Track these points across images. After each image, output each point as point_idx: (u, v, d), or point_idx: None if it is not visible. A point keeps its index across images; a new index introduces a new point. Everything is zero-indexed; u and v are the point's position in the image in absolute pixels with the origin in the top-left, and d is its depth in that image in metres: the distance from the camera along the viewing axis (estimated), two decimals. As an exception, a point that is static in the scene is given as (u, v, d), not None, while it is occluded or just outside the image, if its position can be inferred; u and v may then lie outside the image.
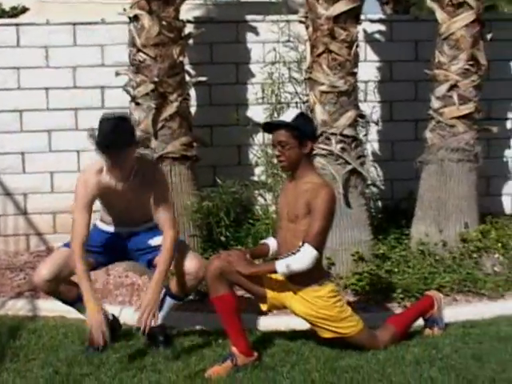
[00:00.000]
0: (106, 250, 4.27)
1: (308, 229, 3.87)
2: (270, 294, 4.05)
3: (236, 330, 3.96)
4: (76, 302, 4.24)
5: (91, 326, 3.95)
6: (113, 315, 4.46)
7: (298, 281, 3.94)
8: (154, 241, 4.20)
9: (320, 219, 3.86)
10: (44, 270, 4.11)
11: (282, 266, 3.85)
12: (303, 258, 3.84)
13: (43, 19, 6.36)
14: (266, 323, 4.62)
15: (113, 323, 4.41)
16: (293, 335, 4.40)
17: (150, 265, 4.23)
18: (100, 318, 3.94)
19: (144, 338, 4.29)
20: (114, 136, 3.85)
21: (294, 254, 3.85)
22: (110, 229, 4.27)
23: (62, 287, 4.19)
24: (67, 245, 4.15)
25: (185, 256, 4.18)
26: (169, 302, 4.28)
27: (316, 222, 3.86)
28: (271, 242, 4.26)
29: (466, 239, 5.62)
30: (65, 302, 4.29)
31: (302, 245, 3.84)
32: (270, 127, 4.10)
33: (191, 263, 4.15)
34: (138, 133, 5.60)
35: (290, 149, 3.94)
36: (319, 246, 3.89)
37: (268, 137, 6.32)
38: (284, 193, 4.15)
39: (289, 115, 4.03)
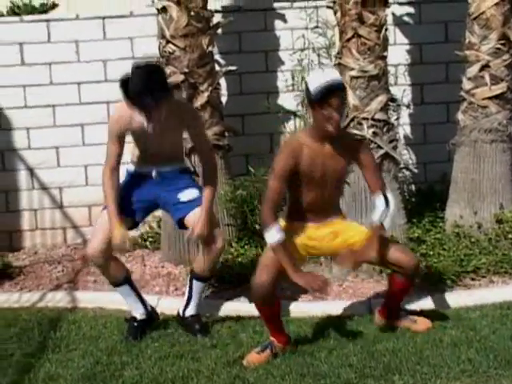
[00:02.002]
0: (139, 200, 4.28)
1: (376, 180, 3.94)
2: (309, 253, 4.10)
3: (276, 326, 3.99)
4: (121, 283, 4.34)
5: (115, 238, 4.09)
6: (150, 306, 4.52)
7: (334, 213, 4.05)
8: (184, 194, 4.24)
9: (378, 168, 4.02)
10: (95, 242, 4.21)
11: (388, 223, 3.92)
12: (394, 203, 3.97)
13: (73, 14, 6.41)
14: (302, 309, 4.64)
15: (151, 314, 4.46)
16: (328, 321, 4.41)
17: (181, 225, 4.27)
18: (123, 231, 4.10)
19: (182, 327, 4.36)
20: (148, 88, 3.84)
21: (387, 208, 3.88)
22: (141, 169, 4.28)
23: (112, 263, 4.29)
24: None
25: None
26: (196, 285, 4.33)
27: (377, 172, 4.00)
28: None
29: (501, 220, 5.57)
30: (112, 281, 4.36)
31: (385, 196, 3.90)
32: (335, 88, 3.78)
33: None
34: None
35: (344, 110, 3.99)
36: None
37: (299, 124, 6.33)
38: (314, 159, 3.88)
39: (335, 74, 3.92)
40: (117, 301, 4.59)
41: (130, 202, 4.25)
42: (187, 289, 4.39)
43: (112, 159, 4.19)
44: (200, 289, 4.38)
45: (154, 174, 4.23)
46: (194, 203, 4.20)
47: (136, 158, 4.31)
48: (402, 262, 3.95)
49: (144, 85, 3.85)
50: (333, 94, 3.74)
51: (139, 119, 4.02)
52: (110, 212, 4.13)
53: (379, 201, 3.91)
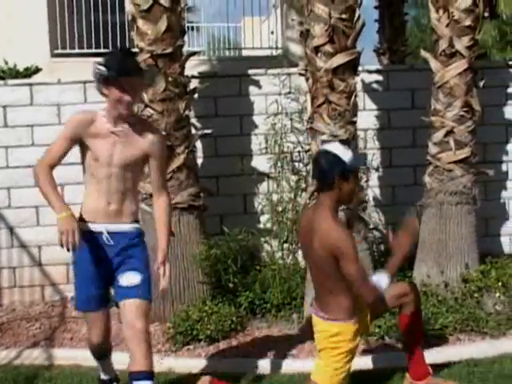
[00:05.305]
0: (98, 287, 3.90)
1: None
2: None
3: None
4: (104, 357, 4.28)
5: (64, 231, 3.63)
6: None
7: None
8: (124, 278, 3.82)
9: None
10: (94, 339, 4.07)
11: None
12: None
13: (55, 79, 6.56)
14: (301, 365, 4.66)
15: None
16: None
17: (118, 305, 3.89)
18: (73, 222, 3.63)
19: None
20: (134, 61, 3.72)
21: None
22: (94, 227, 3.84)
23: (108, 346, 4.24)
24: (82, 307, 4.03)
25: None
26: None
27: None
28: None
29: (467, 279, 5.69)
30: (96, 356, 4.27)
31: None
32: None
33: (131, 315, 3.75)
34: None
35: None
36: None
37: (272, 185, 6.50)
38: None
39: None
40: (92, 359, 4.59)
41: (90, 293, 3.92)
42: None
43: (52, 158, 3.77)
44: None
45: (104, 236, 3.82)
46: (131, 291, 3.78)
47: (86, 210, 3.87)
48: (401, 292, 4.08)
49: (133, 62, 3.73)
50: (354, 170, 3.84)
51: (101, 121, 3.76)
52: (56, 202, 3.71)
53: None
